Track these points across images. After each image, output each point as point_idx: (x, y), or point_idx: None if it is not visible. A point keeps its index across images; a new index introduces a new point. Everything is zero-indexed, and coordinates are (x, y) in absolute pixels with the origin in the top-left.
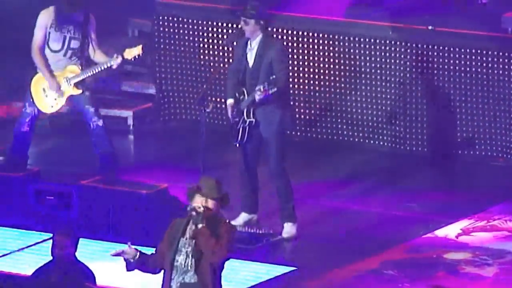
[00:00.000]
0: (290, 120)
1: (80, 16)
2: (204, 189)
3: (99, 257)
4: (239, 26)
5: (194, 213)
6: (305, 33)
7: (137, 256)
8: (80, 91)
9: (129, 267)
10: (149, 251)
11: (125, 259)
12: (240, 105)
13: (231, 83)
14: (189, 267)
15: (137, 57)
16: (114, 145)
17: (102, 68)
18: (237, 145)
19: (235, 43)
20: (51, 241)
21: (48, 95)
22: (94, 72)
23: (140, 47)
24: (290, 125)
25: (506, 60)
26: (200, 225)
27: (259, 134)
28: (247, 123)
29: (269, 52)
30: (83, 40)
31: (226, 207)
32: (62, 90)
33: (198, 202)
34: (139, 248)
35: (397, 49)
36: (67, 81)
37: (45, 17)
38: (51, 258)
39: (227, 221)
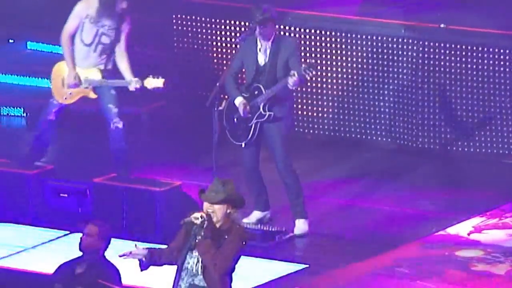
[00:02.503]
0: (294, 118)
1: (117, 14)
2: (207, 193)
3: (112, 255)
4: (263, 32)
5: (190, 225)
6: (317, 31)
7: (148, 254)
8: (95, 96)
9: (142, 266)
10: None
11: (139, 260)
12: (256, 101)
13: (235, 84)
14: (198, 271)
15: (155, 88)
16: (128, 142)
17: (120, 84)
18: (243, 144)
19: (242, 43)
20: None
21: (65, 86)
22: (112, 84)
23: (162, 81)
24: (294, 122)
25: None
26: (198, 237)
27: (265, 131)
28: (266, 117)
29: (285, 51)
30: (114, 38)
31: (241, 209)
32: (79, 87)
33: (204, 208)
34: (152, 245)
35: (409, 47)
36: (86, 81)
37: (82, 8)
38: (66, 255)
39: (239, 227)
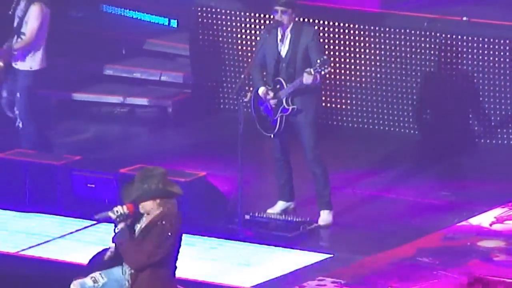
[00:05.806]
0: (322, 106)
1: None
2: (123, 189)
3: None
4: (277, 17)
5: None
6: (341, 25)
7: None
8: None
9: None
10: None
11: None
12: (279, 94)
13: (260, 74)
14: None
15: None
16: (154, 133)
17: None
18: (272, 136)
19: (266, 35)
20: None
21: None
22: None
23: None
24: (322, 112)
25: None
26: (116, 230)
27: (292, 122)
28: (289, 110)
29: (304, 39)
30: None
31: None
32: None
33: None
34: None
35: (432, 40)
36: None
37: None
38: (93, 245)
39: (166, 218)
